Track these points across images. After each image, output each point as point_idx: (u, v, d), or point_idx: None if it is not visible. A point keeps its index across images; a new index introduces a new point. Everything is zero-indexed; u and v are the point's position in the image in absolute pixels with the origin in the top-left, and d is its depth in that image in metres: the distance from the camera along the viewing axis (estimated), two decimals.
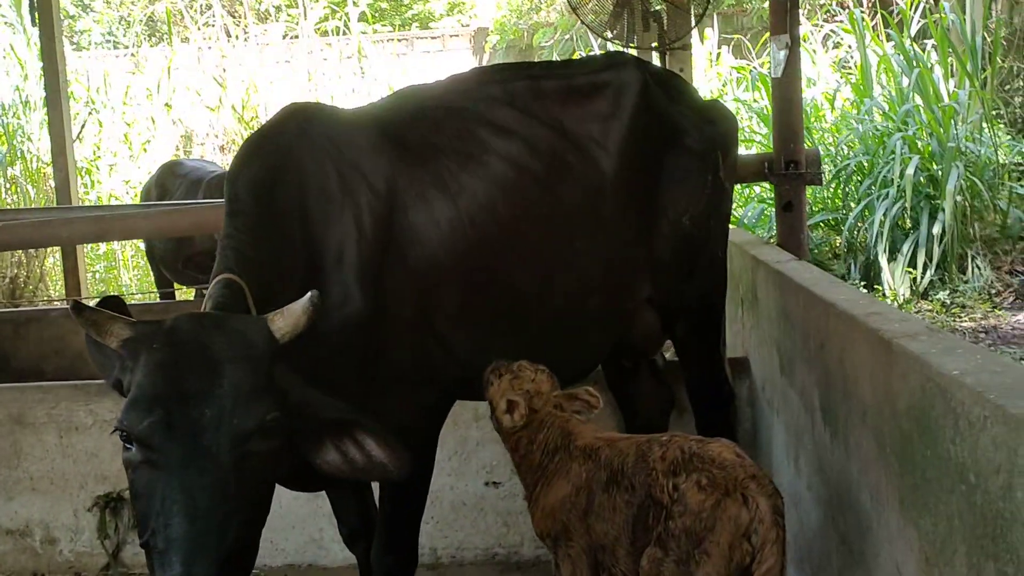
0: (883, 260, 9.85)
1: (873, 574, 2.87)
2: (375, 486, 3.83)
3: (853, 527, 3.06)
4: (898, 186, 10.02)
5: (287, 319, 2.75)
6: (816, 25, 14.84)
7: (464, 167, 3.65)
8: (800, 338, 3.69)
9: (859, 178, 10.88)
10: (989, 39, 11.69)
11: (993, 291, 9.68)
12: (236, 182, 3.32)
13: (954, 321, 8.85)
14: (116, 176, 14.13)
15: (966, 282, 9.79)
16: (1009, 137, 11.72)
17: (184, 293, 9.16)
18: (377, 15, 22.77)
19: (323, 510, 4.81)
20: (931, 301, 9.51)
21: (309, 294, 2.77)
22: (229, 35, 16.53)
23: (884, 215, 10.03)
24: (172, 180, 8.24)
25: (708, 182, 4.18)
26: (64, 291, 8.40)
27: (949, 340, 2.54)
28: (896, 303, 9.41)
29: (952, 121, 10.51)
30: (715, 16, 16.97)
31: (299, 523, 5.06)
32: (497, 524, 5.02)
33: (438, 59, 19.25)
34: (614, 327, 4.06)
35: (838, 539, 3.24)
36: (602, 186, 3.90)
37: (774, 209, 5.69)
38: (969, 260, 10.03)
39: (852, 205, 10.83)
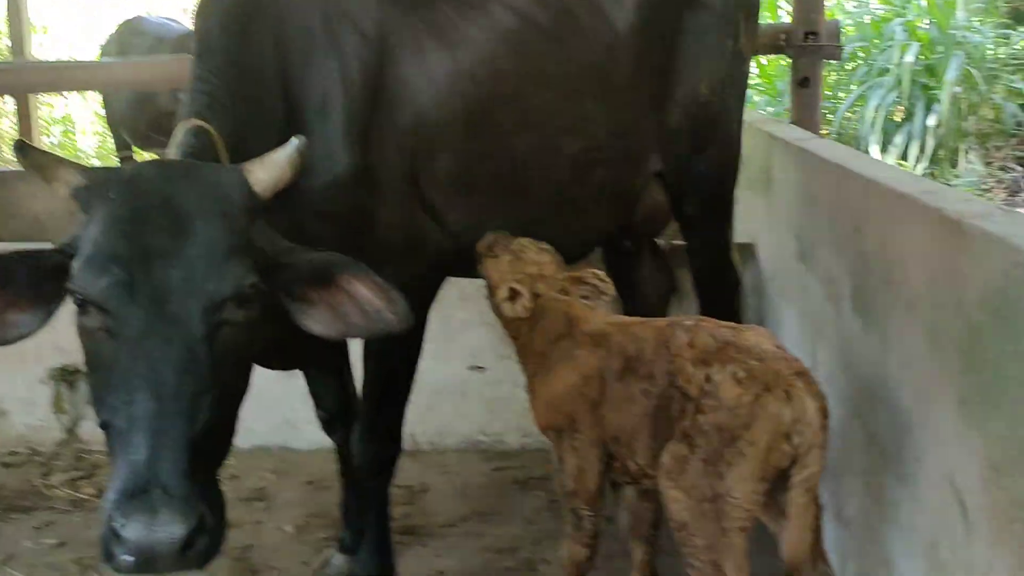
0: (875, 151, 9.54)
1: (911, 478, 2.61)
2: (357, 370, 3.52)
3: (887, 426, 2.79)
4: (895, 75, 9.66)
5: (267, 169, 2.40)
6: None
7: (464, 16, 3.25)
8: (827, 221, 3.37)
9: (853, 66, 10.48)
10: None
11: (985, 187, 9.42)
12: (207, 16, 2.91)
13: None
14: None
15: (958, 177, 9.53)
16: (1008, 28, 11.34)
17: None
18: None
19: (297, 390, 4.47)
20: None
21: (295, 141, 2.42)
22: None
23: (878, 105, 9.69)
24: (133, 39, 7.65)
25: (728, 47, 3.81)
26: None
27: None
28: None
29: (953, 8, 10.10)
30: None
31: (271, 403, 4.74)
32: (480, 410, 4.76)
33: None
34: (620, 204, 3.72)
35: (865, 438, 2.98)
36: (615, 44, 3.52)
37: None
38: (962, 155, 9.76)
39: (842, 95, 10.48)
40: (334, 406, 3.65)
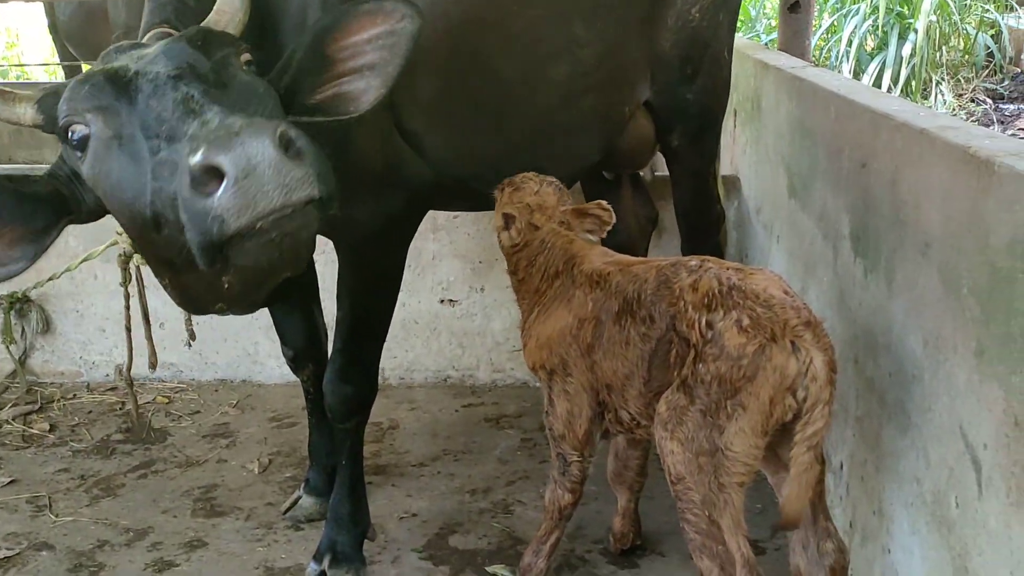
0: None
1: (915, 428, 2.49)
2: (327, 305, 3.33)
3: (890, 374, 2.66)
4: (870, 3, 9.45)
5: (225, 10, 2.35)
6: None
7: None
8: (826, 155, 3.20)
9: None
10: None
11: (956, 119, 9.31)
12: None
13: None
14: None
15: (929, 108, 9.40)
16: None
17: None
18: None
19: (259, 322, 4.33)
20: None
21: None
22: None
23: (852, 33, 9.49)
24: None
25: None
26: None
27: None
28: None
29: None
30: None
31: (231, 336, 4.57)
32: (451, 345, 4.60)
33: None
34: (607, 132, 3.52)
35: (863, 384, 2.86)
36: None
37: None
38: (933, 85, 9.62)
39: (815, 23, 10.25)
40: (302, 342, 3.46)
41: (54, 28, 7.69)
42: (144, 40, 2.40)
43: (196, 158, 1.78)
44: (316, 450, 3.57)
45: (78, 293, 4.51)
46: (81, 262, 3.38)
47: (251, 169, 1.77)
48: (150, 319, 3.12)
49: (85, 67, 7.61)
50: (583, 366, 2.77)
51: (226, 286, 2.11)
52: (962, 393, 2.25)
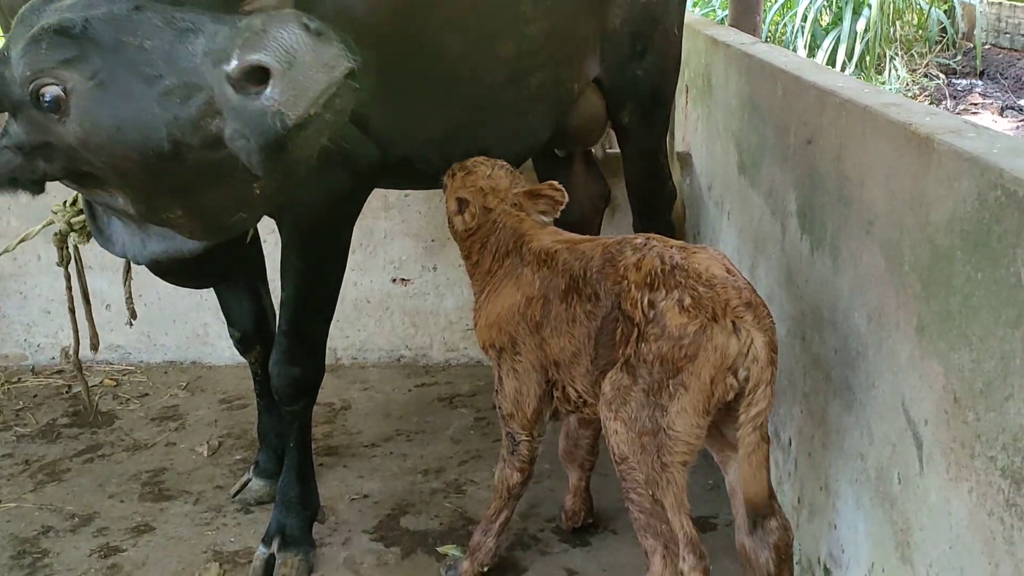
0: (802, 56, 9.40)
1: (859, 405, 2.51)
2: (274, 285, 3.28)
3: (835, 349, 2.67)
4: None
5: None
6: None
7: None
8: (774, 132, 3.20)
9: None
10: None
11: (910, 94, 9.39)
12: None
13: None
14: None
15: (883, 84, 9.47)
16: None
17: None
18: None
19: (208, 302, 4.27)
20: None
21: None
22: None
23: (806, 8, 9.53)
24: None
25: None
26: None
27: (1005, 137, 2.07)
28: None
29: None
30: None
31: (180, 316, 4.51)
32: (404, 324, 4.57)
33: None
34: (557, 110, 3.49)
35: (809, 360, 2.87)
36: None
37: None
38: (887, 61, 9.69)
39: None
40: (249, 324, 3.41)
41: None
42: None
43: (232, 64, 1.76)
44: (265, 432, 3.54)
45: (20, 274, 4.42)
46: (18, 243, 3.29)
47: (292, 57, 1.76)
48: (90, 300, 3.07)
49: None
50: (531, 344, 2.76)
51: (256, 191, 2.07)
52: (904, 369, 2.26)
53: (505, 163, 3.00)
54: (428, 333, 4.57)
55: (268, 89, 1.77)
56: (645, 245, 2.56)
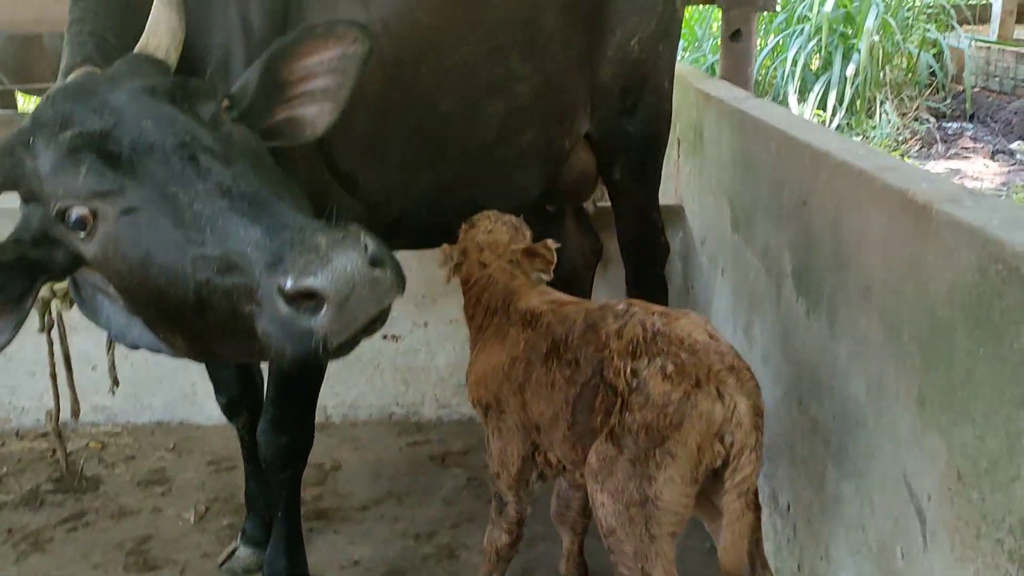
0: (793, 101, 9.44)
1: (860, 475, 2.45)
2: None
3: (834, 417, 2.62)
4: (814, 23, 9.53)
5: (161, 31, 2.27)
6: None
7: None
8: (768, 191, 3.17)
9: (771, 14, 10.31)
10: None
11: (900, 138, 9.41)
12: None
13: None
14: None
15: (874, 128, 9.49)
16: None
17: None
18: None
19: (195, 363, 4.18)
20: None
21: None
22: None
23: (797, 53, 9.57)
24: None
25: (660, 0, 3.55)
26: None
27: (1005, 207, 2.04)
28: None
29: None
30: None
31: (167, 376, 4.43)
32: (395, 381, 4.51)
33: None
34: (548, 167, 3.47)
35: (808, 425, 2.81)
36: None
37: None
38: (877, 105, 9.72)
39: (761, 42, 10.32)
40: (236, 389, 3.35)
41: None
42: (38, 105, 2.30)
43: (289, 282, 1.74)
44: (253, 499, 3.46)
45: None
46: None
47: (350, 290, 1.75)
48: (71, 366, 3.00)
49: (19, 95, 7.44)
50: (515, 405, 2.73)
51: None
52: (905, 442, 2.20)
53: (512, 218, 2.99)
54: (420, 390, 4.51)
55: (320, 315, 1.76)
56: (626, 312, 2.54)
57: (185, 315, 1.98)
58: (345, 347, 1.87)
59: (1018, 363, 1.76)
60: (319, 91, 2.35)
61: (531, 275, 2.94)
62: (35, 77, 6.55)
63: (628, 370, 2.42)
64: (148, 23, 2.29)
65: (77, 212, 1.96)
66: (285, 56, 2.31)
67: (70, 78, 2.28)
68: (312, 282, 1.73)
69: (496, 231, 2.93)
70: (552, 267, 2.97)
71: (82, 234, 1.98)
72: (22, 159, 2.03)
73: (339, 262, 1.74)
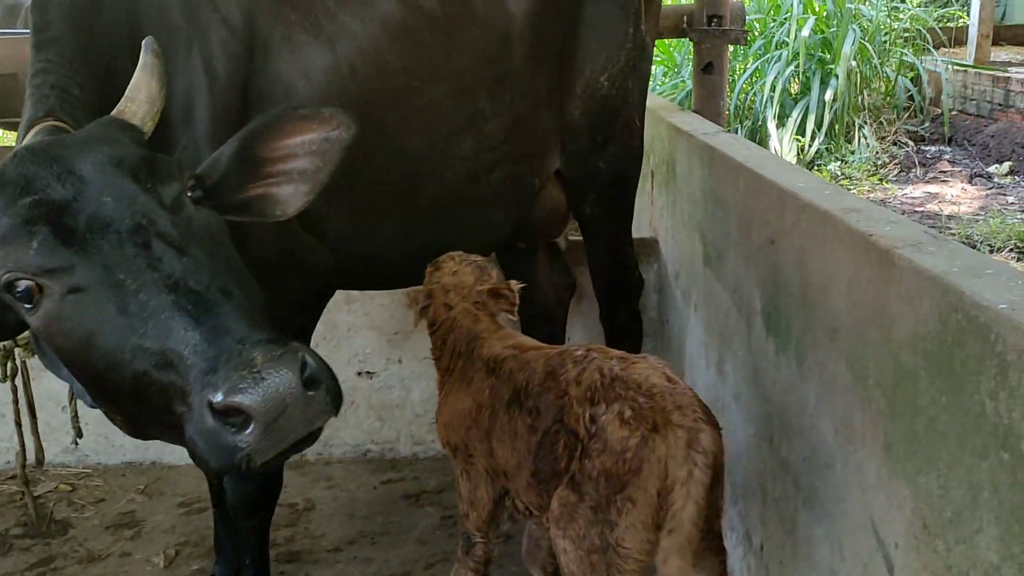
0: (771, 126, 9.47)
1: (830, 518, 2.42)
2: None
3: (803, 458, 2.60)
4: (792, 48, 9.58)
5: (140, 99, 2.21)
6: None
7: (342, 4, 2.92)
8: (737, 228, 3.16)
9: (750, 40, 10.35)
10: None
11: (879, 162, 9.44)
12: (46, 5, 2.50)
13: None
14: None
15: (853, 153, 9.52)
16: (898, 0, 11.40)
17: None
18: None
19: None
20: (819, 171, 9.22)
21: (145, 44, 2.25)
22: None
23: (775, 79, 9.61)
24: None
25: (629, 35, 3.56)
26: None
27: (966, 254, 2.03)
28: None
29: None
30: None
31: None
32: (370, 418, 4.47)
33: None
34: (518, 205, 3.45)
35: (776, 464, 2.79)
36: (510, 33, 3.23)
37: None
38: (856, 129, 9.76)
39: (740, 67, 10.37)
40: None
41: None
42: (29, 137, 2.26)
43: (218, 396, 1.70)
44: (222, 544, 3.40)
45: None
46: None
47: (281, 411, 1.71)
48: (36, 414, 2.96)
49: None
50: (483, 450, 2.73)
51: None
52: (872, 487, 2.18)
53: (477, 258, 2.97)
54: (395, 427, 4.47)
55: (246, 433, 1.72)
56: (585, 358, 2.52)
57: (123, 399, 1.95)
58: (271, 464, 1.82)
59: (978, 414, 1.74)
60: (297, 172, 2.30)
61: (497, 315, 2.92)
62: (12, 113, 6.52)
63: (587, 416, 2.41)
64: (128, 87, 2.25)
65: (24, 284, 1.91)
66: (265, 134, 2.27)
67: (31, 134, 2.25)
68: (241, 400, 1.69)
69: (461, 272, 2.90)
70: (515, 307, 2.95)
71: (28, 306, 1.94)
72: None
73: (272, 381, 1.70)
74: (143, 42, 2.27)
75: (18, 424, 3.05)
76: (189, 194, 2.09)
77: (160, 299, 1.85)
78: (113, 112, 2.22)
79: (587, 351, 2.58)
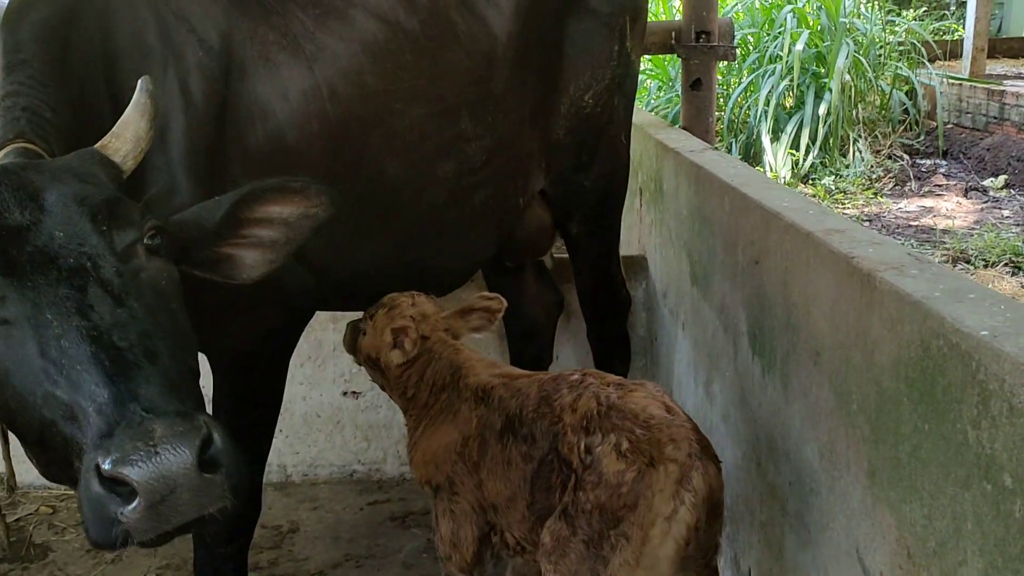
0: (766, 140, 9.45)
1: (816, 544, 2.38)
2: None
3: (789, 482, 2.55)
4: (785, 62, 9.56)
5: (126, 136, 2.14)
6: None
7: (322, 24, 2.87)
8: (723, 247, 3.11)
9: (743, 53, 10.34)
10: None
11: (874, 176, 9.41)
12: (17, 26, 2.44)
13: (838, 208, 8.54)
14: None
15: (848, 167, 9.49)
16: (893, 13, 11.40)
17: None
18: None
19: None
20: (814, 185, 9.19)
21: (140, 83, 2.17)
22: None
23: (769, 93, 9.59)
24: None
25: (614, 53, 3.53)
26: None
27: (949, 277, 1.98)
28: None
29: None
30: None
31: None
32: (356, 438, 4.42)
33: None
34: (502, 225, 3.41)
35: (765, 488, 2.74)
36: (493, 53, 3.19)
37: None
38: (851, 143, 9.74)
39: (733, 81, 10.35)
40: None
41: None
42: None
43: (106, 464, 1.61)
44: (202, 570, 3.35)
45: None
46: None
47: (169, 492, 1.62)
48: (8, 439, 2.90)
49: None
50: (470, 484, 2.63)
51: None
52: (857, 514, 2.14)
53: (418, 292, 2.90)
54: (381, 447, 4.42)
55: (129, 507, 1.63)
56: (581, 383, 2.46)
57: (31, 443, 1.88)
58: (151, 544, 1.72)
59: (961, 443, 1.70)
60: (268, 240, 2.27)
61: (467, 334, 2.85)
62: None
63: (582, 446, 2.34)
64: (117, 123, 2.20)
65: None
66: (256, 199, 2.24)
67: (2, 155, 2.19)
68: (128, 472, 1.60)
69: (419, 303, 2.83)
70: (498, 316, 2.89)
71: None
72: None
73: (165, 459, 1.61)
74: (139, 81, 2.21)
75: None
76: (147, 242, 2.01)
77: (79, 349, 1.77)
78: (96, 145, 2.17)
79: (583, 375, 2.53)
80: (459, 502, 2.67)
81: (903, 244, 7.15)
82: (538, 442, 2.44)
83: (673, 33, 4.53)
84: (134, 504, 1.61)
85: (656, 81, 10.42)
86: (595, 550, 2.25)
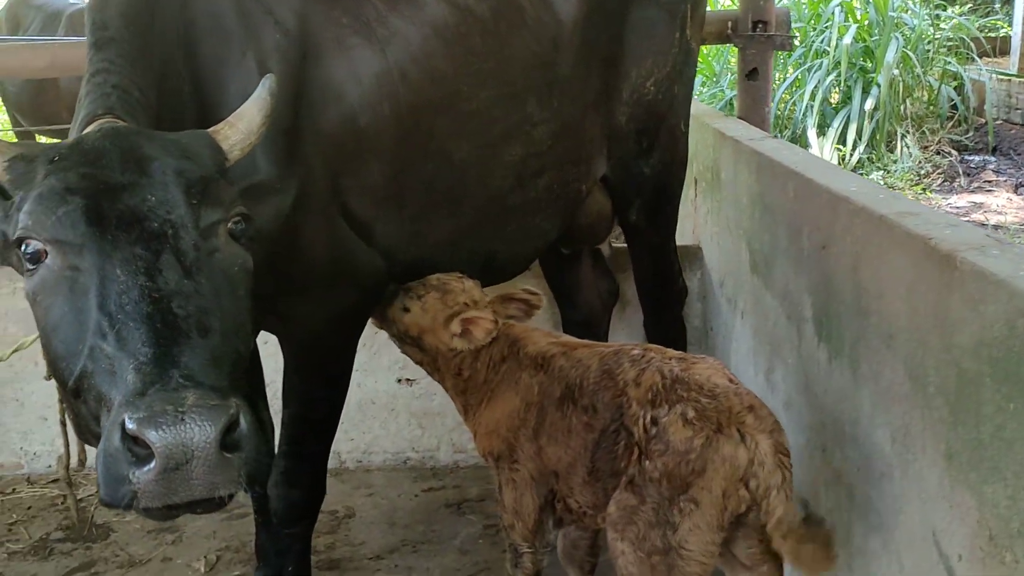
0: (812, 135, 9.36)
1: (887, 529, 2.37)
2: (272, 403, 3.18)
3: (858, 467, 2.54)
4: (832, 57, 9.48)
5: (239, 127, 2.19)
6: None
7: (394, 8, 2.91)
8: (786, 234, 3.10)
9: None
10: None
11: (922, 172, 9.31)
12: (104, 5, 2.48)
13: None
14: None
15: (895, 162, 9.40)
16: (940, 8, 11.27)
17: None
18: None
19: None
20: None
21: (265, 81, 2.24)
22: None
23: (816, 87, 9.51)
24: (26, 11, 7.10)
25: (676, 40, 3.54)
26: None
27: None
28: None
29: None
30: None
31: None
32: (410, 426, 4.44)
33: None
34: (564, 211, 3.42)
35: (831, 475, 2.73)
36: (560, 38, 3.21)
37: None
38: (899, 138, 9.63)
39: (780, 76, 10.27)
40: None
41: (4, 98, 7.55)
42: (89, 130, 2.25)
43: (131, 424, 1.63)
44: (264, 550, 3.37)
45: (17, 381, 4.31)
46: (12, 352, 3.23)
47: (184, 462, 1.63)
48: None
49: (36, 137, 7.46)
50: (531, 451, 2.68)
51: None
52: (933, 498, 2.12)
53: (465, 276, 2.91)
54: (435, 434, 4.44)
55: (142, 470, 1.65)
56: (643, 358, 2.49)
57: (69, 390, 1.91)
58: (155, 514, 1.73)
59: None
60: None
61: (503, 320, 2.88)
62: (53, 119, 6.58)
63: (648, 418, 2.38)
64: (235, 112, 2.25)
65: (34, 246, 1.92)
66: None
67: (92, 128, 2.24)
68: (149, 434, 1.61)
69: (468, 288, 2.85)
70: (535, 311, 2.92)
71: (30, 266, 1.94)
72: (35, 172, 1.99)
73: (189, 428, 1.62)
74: (263, 78, 2.26)
75: (63, 424, 3.04)
76: (231, 225, 2.06)
77: (137, 307, 1.80)
78: (209, 129, 2.21)
79: (644, 351, 2.56)
80: (519, 470, 2.71)
81: None
82: (600, 413, 2.49)
83: (730, 23, 4.51)
84: (148, 467, 1.63)
85: (700, 76, 10.36)
86: (663, 516, 2.30)
